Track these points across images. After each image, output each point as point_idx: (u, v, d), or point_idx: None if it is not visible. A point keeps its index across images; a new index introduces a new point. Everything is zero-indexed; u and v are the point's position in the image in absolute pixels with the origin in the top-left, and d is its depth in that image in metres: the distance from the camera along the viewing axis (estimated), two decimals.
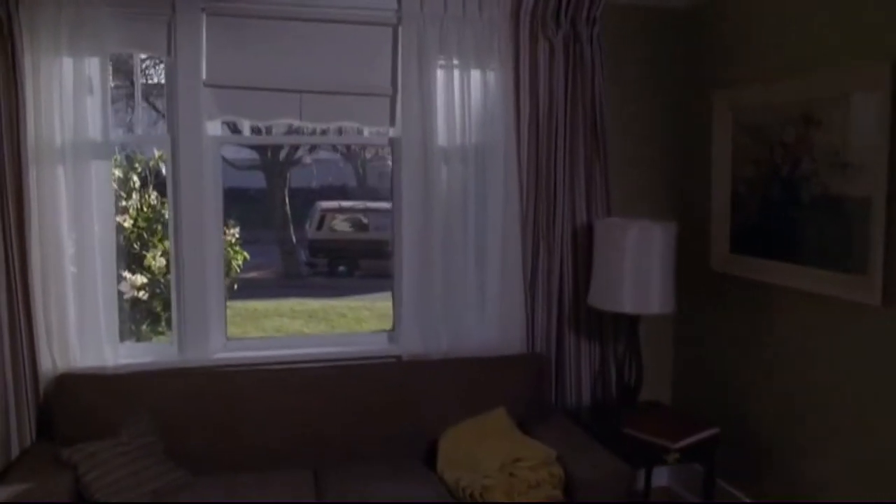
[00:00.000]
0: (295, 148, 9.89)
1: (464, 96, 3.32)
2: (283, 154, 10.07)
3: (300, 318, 8.59)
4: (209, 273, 3.26)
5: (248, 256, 6.19)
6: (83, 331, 3.06)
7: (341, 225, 10.37)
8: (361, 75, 3.34)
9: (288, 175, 10.18)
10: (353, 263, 10.21)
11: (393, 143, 3.44)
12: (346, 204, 10.42)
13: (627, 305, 3.17)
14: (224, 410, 3.06)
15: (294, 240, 9.97)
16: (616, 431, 3.12)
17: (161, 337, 4.79)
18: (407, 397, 3.21)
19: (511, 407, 3.20)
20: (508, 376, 3.31)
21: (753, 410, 3.25)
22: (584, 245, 3.43)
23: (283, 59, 3.26)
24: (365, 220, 10.45)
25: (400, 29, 3.31)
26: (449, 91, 3.31)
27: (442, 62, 3.31)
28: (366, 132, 3.53)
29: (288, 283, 9.93)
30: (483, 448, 2.95)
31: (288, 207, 9.90)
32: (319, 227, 10.12)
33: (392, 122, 3.41)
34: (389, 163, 3.57)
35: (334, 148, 10.97)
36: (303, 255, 10.06)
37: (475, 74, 3.34)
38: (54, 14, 2.94)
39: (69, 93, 2.99)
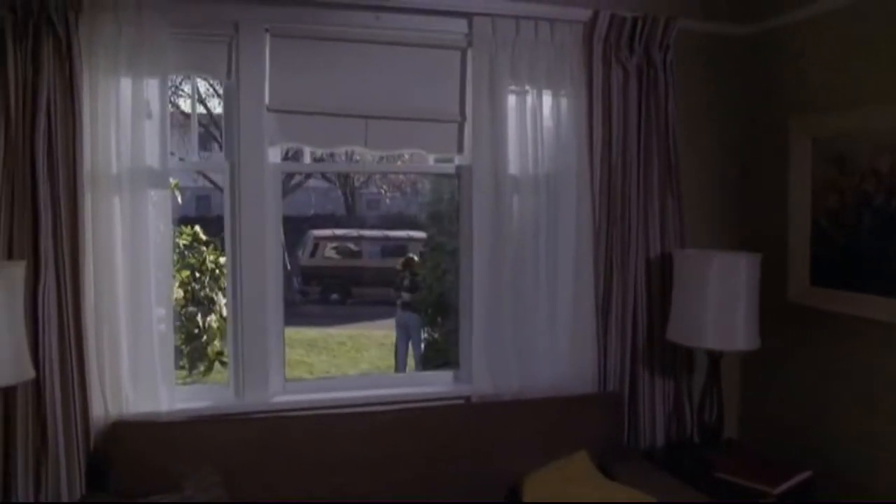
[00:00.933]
0: (290, 176, 9.68)
1: (536, 123, 3.18)
2: None
3: (300, 347, 8.38)
4: (270, 310, 3.06)
5: None
6: (137, 374, 2.83)
7: (331, 253, 10.20)
8: (428, 100, 3.19)
9: (283, 202, 9.93)
10: (346, 291, 10.03)
11: (460, 171, 3.28)
12: (339, 232, 10.25)
13: (711, 341, 3.04)
14: (288, 458, 2.85)
15: (288, 267, 9.73)
16: (705, 475, 2.97)
17: (182, 372, 4.54)
18: (480, 441, 3.03)
19: (588, 449, 3.04)
20: (584, 417, 3.15)
21: (842, 449, 3.11)
22: (657, 277, 3.30)
23: (348, 83, 3.09)
24: (356, 248, 10.30)
25: (469, 52, 3.17)
26: (520, 117, 3.18)
27: (513, 87, 3.17)
28: (430, 160, 3.35)
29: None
30: (574, 495, 2.77)
31: (282, 235, 9.65)
32: (312, 254, 9.93)
33: (460, 149, 3.25)
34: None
35: (324, 176, 10.78)
36: (295, 284, 9.82)
37: (547, 100, 3.21)
38: (114, 33, 2.74)
39: (127, 116, 2.78)
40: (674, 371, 3.36)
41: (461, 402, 3.24)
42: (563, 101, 3.22)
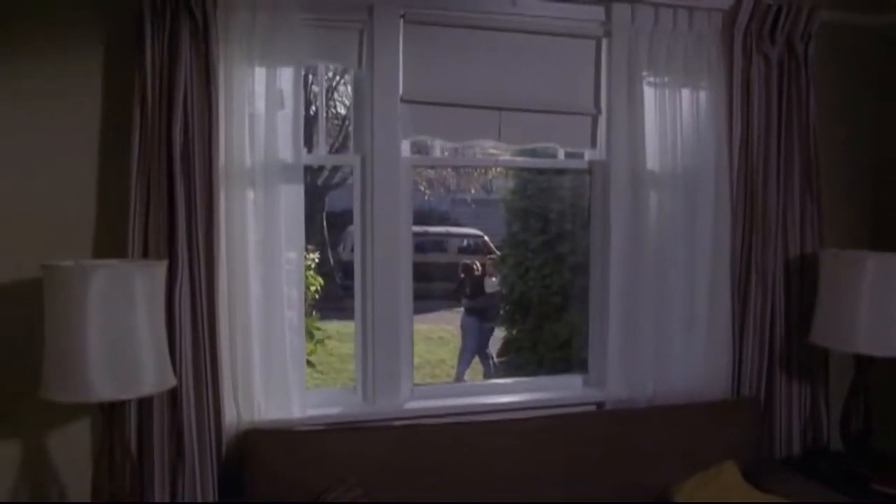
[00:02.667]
0: (334, 171, 9.54)
1: (675, 116, 3.03)
2: (321, 178, 9.70)
3: (348, 341, 8.31)
4: (402, 313, 2.90)
5: (322, 282, 5.83)
6: (269, 379, 2.68)
7: None
8: (561, 92, 3.02)
9: (326, 199, 9.82)
10: None
11: (593, 166, 3.13)
12: None
13: (863, 345, 2.89)
14: (425, 468, 2.70)
15: (331, 262, 9.62)
16: (859, 486, 2.83)
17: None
18: (618, 449, 2.88)
19: (730, 458, 2.90)
20: (724, 424, 3.00)
21: None
22: (796, 278, 3.15)
23: (482, 74, 2.93)
24: None
25: (605, 42, 3.02)
26: (657, 111, 3.02)
27: (650, 79, 3.02)
28: (560, 154, 3.20)
29: (325, 305, 9.70)
30: None
31: (326, 231, 9.54)
32: (353, 250, 9.77)
33: (593, 143, 3.10)
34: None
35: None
36: (337, 278, 9.70)
37: (685, 93, 3.05)
38: (248, 19, 2.59)
39: (261, 107, 2.63)
40: (811, 376, 3.21)
41: (593, 407, 3.10)
42: (702, 94, 3.06)
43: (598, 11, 2.99)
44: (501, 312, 7.09)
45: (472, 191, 11.62)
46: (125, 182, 2.47)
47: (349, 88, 9.23)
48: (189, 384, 2.53)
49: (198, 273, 2.52)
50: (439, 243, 10.39)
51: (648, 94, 3.01)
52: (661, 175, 3.03)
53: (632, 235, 3.02)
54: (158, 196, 2.49)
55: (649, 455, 2.89)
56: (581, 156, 3.18)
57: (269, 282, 2.66)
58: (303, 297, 2.76)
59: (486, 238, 9.94)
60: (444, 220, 11.24)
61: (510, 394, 3.13)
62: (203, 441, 2.56)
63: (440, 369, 8.03)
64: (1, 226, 2.48)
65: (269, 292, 2.66)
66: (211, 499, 2.59)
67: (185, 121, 2.49)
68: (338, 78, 7.85)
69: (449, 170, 10.56)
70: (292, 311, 2.71)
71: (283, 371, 2.68)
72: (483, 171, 10.91)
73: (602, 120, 3.06)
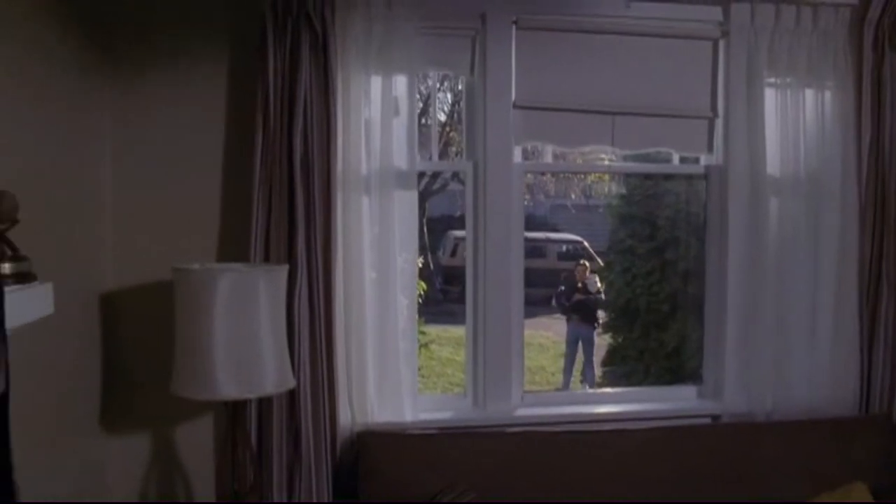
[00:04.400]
0: (434, 177, 9.63)
1: (797, 118, 2.90)
2: (422, 184, 9.81)
3: (448, 345, 8.39)
4: (513, 319, 2.90)
5: (425, 287, 5.87)
6: (382, 382, 2.72)
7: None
8: (676, 95, 2.95)
9: (427, 204, 9.92)
10: None
11: (709, 171, 3.04)
12: None
13: None
14: (536, 477, 2.67)
15: (431, 267, 9.70)
16: None
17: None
18: (735, 465, 2.77)
19: (859, 479, 2.74)
20: (850, 442, 2.84)
21: None
22: None
23: (594, 78, 2.89)
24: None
25: (722, 43, 2.93)
26: (778, 113, 2.91)
27: (771, 80, 2.91)
28: (675, 159, 3.13)
29: (425, 309, 9.84)
30: None
31: (426, 237, 9.64)
32: (452, 254, 9.85)
33: (709, 148, 3.01)
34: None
35: (458, 178, 10.65)
36: (437, 283, 9.79)
37: (809, 93, 2.92)
38: (365, 27, 2.65)
39: (377, 115, 2.68)
40: None
41: (707, 420, 3.00)
42: (827, 94, 2.93)
43: (716, 12, 2.91)
44: (605, 320, 6.96)
45: (573, 196, 11.48)
46: (248, 189, 2.56)
47: (449, 96, 9.34)
48: (306, 386, 2.59)
49: (316, 278, 2.58)
50: (538, 249, 10.31)
51: (769, 95, 2.91)
52: (782, 180, 2.92)
53: (751, 242, 2.91)
54: (279, 202, 2.57)
55: (769, 472, 2.77)
56: (696, 160, 3.10)
57: (383, 286, 2.70)
58: (415, 301, 2.79)
59: (587, 244, 9.81)
60: (542, 225, 11.15)
61: (620, 403, 3.07)
62: (319, 441, 2.62)
63: (540, 376, 7.97)
64: (137, 230, 2.62)
65: (383, 297, 2.70)
66: (326, 499, 2.65)
67: (304, 129, 2.57)
68: (438, 85, 7.95)
69: (548, 175, 10.47)
70: (405, 316, 2.74)
71: (396, 374, 2.72)
72: (583, 175, 10.77)
73: (719, 123, 2.97)
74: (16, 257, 1.70)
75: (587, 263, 7.26)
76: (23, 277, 1.69)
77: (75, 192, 2.33)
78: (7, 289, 1.61)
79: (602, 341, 7.60)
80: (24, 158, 1.90)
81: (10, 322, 1.59)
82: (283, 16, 2.54)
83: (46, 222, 2.01)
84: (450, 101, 9.05)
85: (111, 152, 2.60)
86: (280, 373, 2.38)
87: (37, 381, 1.94)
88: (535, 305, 9.19)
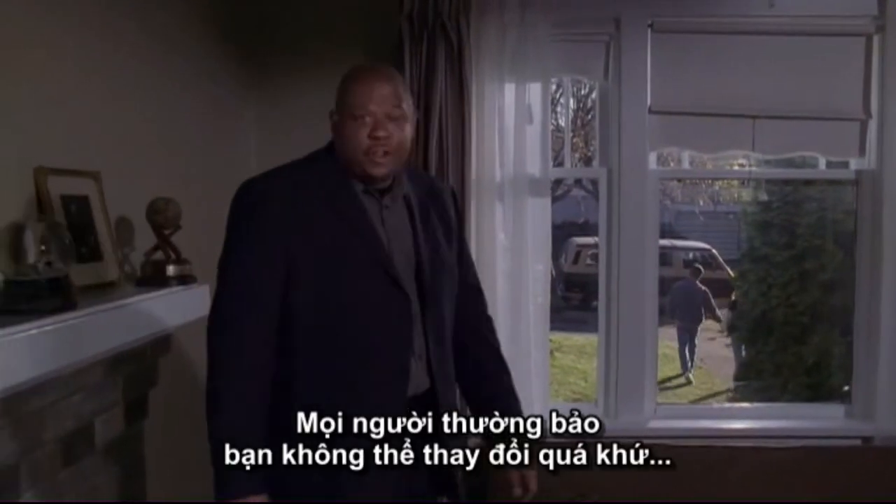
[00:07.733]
0: (556, 184, 9.58)
1: None
2: None
3: (570, 353, 8.27)
4: (647, 327, 2.83)
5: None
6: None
7: (591, 260, 9.95)
8: (823, 96, 2.80)
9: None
10: None
11: (861, 176, 2.86)
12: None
13: None
14: (668, 491, 2.59)
15: (553, 274, 9.65)
16: None
17: None
18: (889, 491, 2.60)
19: None
20: None
21: None
22: None
23: (733, 80, 2.79)
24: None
25: (877, 39, 2.76)
26: None
27: None
28: (821, 164, 2.97)
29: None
30: None
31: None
32: (575, 261, 9.74)
33: (861, 151, 2.84)
34: None
35: (581, 185, 10.50)
36: (559, 290, 9.70)
37: None
38: (498, 36, 2.67)
39: (510, 122, 2.69)
40: None
41: (857, 441, 2.82)
42: None
43: (870, 5, 2.74)
44: (738, 332, 6.68)
45: (701, 202, 11.10)
46: None
47: (572, 101, 9.23)
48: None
49: None
50: (663, 256, 10.02)
51: None
52: None
53: None
54: None
55: None
56: (845, 164, 2.93)
57: (515, 294, 2.70)
58: (548, 309, 2.78)
59: (715, 251, 9.46)
60: (667, 232, 10.85)
61: (757, 419, 2.95)
62: None
63: (663, 386, 7.79)
64: None
65: (515, 304, 2.70)
66: None
67: (440, 136, 2.61)
68: (560, 90, 7.88)
69: (674, 180, 10.21)
70: (538, 323, 2.74)
71: (527, 383, 2.70)
72: (710, 181, 10.41)
73: (872, 125, 2.80)
74: (179, 260, 1.84)
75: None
76: (185, 279, 1.82)
77: (225, 199, 2.46)
78: (171, 289, 1.74)
79: (727, 353, 7.33)
80: (186, 169, 2.03)
81: (174, 321, 1.71)
82: (419, 25, 2.60)
83: (203, 228, 2.13)
84: (572, 108, 8.96)
85: (256, 160, 2.73)
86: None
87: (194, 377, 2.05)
88: (661, 314, 8.96)
